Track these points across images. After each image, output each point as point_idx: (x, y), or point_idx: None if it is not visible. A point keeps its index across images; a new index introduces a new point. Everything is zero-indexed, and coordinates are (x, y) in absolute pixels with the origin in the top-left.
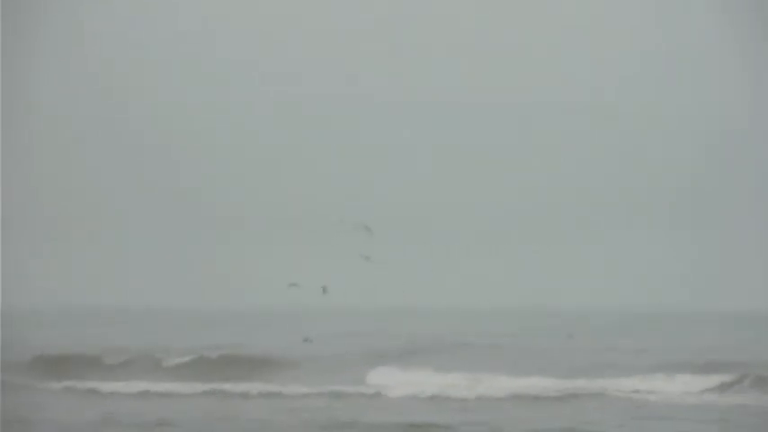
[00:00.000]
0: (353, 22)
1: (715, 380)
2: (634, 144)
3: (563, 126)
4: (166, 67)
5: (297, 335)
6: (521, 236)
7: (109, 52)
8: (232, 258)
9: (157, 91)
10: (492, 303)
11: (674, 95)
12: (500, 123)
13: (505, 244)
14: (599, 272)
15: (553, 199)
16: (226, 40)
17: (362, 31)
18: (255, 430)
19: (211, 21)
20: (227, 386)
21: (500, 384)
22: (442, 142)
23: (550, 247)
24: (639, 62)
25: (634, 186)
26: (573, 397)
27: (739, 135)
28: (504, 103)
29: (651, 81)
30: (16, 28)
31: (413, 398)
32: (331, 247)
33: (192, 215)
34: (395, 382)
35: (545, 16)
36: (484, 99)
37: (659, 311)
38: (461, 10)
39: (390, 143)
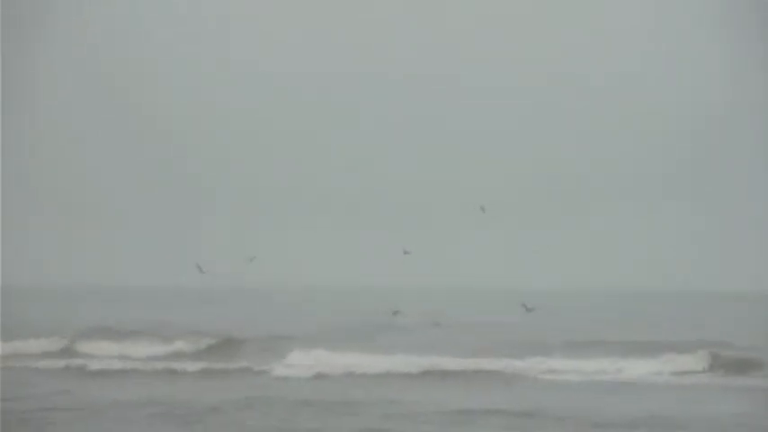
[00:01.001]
0: (357, 8)
1: (686, 360)
2: (631, 124)
3: (561, 105)
4: (166, 51)
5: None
6: (515, 217)
7: (108, 32)
8: (229, 239)
9: (157, 72)
10: (484, 284)
11: (673, 75)
12: (498, 102)
13: (499, 224)
14: (595, 254)
15: (548, 181)
16: (224, 24)
17: (365, 17)
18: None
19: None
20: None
21: (421, 363)
22: (439, 125)
23: (545, 229)
24: (640, 43)
25: (631, 167)
26: (487, 375)
27: (740, 115)
28: (504, 82)
29: (651, 60)
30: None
31: (329, 376)
32: (323, 229)
33: (191, 197)
34: (314, 362)
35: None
36: (480, 77)
37: (656, 292)
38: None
39: (388, 125)
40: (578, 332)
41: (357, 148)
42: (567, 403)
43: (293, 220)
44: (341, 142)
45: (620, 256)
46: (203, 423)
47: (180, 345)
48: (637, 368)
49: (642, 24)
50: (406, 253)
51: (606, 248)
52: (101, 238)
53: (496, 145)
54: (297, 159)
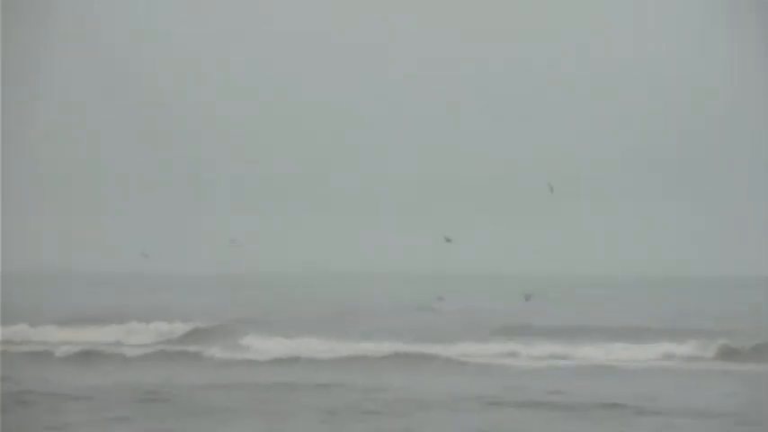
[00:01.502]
0: (358, 4)
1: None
2: (631, 113)
3: (562, 95)
4: (166, 45)
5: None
6: (515, 204)
7: (112, 12)
8: (227, 228)
9: (157, 54)
10: (483, 271)
11: (675, 62)
12: (500, 99)
13: (502, 212)
14: (595, 241)
15: (550, 168)
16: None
17: (365, 15)
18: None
19: None
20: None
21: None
22: (439, 123)
23: (546, 216)
24: (640, 28)
25: (630, 155)
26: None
27: (739, 104)
28: (505, 81)
29: (652, 49)
30: None
31: (275, 360)
32: (315, 214)
33: (191, 182)
34: (266, 346)
35: None
36: (484, 65)
37: (655, 280)
38: None
39: (389, 125)
40: (568, 318)
41: (357, 143)
42: (544, 386)
43: (293, 210)
44: (341, 135)
45: (620, 244)
46: (174, 404)
47: (159, 330)
48: (624, 353)
49: (643, 23)
50: (447, 240)
51: (607, 237)
52: (99, 225)
53: (497, 141)
54: (296, 150)
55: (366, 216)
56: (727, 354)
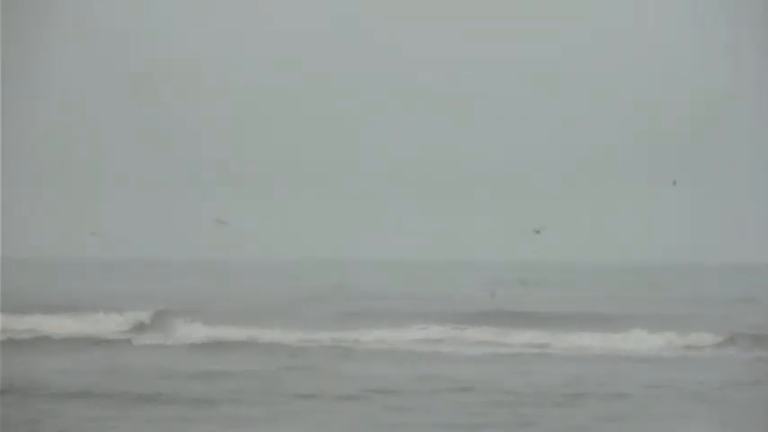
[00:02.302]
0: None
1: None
2: (629, 99)
3: (558, 79)
4: (166, 31)
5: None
6: (509, 191)
7: (112, 12)
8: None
9: (157, 54)
10: (471, 257)
11: (672, 47)
12: (494, 78)
13: (494, 198)
14: (592, 228)
15: (547, 154)
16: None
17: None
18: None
19: None
20: None
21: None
22: (430, 97)
23: (546, 202)
24: (637, 14)
25: (630, 153)
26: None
27: (738, 90)
28: (500, 58)
29: (647, 34)
30: None
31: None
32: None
33: (191, 171)
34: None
35: None
36: (476, 53)
37: (652, 267)
38: None
39: (392, 124)
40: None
41: (357, 142)
42: (480, 375)
43: (292, 207)
44: (341, 135)
45: (620, 232)
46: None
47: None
48: (620, 342)
49: (643, 23)
50: (537, 232)
51: (605, 226)
52: (98, 222)
53: (497, 141)
54: (296, 150)
55: (365, 215)
56: (724, 342)
